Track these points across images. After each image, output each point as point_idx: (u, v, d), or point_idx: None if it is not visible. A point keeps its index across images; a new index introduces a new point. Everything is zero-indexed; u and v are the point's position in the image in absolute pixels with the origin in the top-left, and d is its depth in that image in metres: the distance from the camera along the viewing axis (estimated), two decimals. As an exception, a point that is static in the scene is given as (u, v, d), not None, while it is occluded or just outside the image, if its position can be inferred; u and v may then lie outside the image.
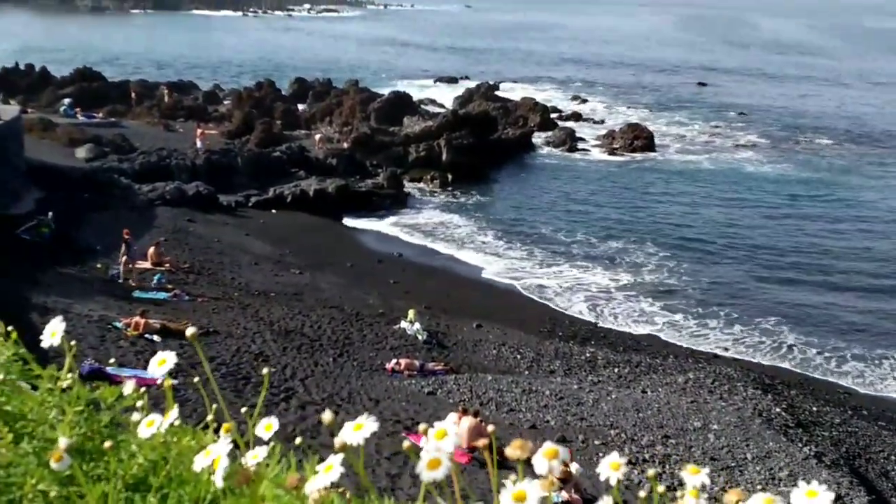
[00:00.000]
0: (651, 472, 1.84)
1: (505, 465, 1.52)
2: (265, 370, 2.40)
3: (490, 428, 1.97)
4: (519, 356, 24.71)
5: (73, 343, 2.31)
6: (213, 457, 1.91)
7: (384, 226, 39.49)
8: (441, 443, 1.65)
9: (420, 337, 25.14)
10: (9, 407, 2.11)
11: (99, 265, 27.14)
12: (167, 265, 28.09)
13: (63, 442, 1.75)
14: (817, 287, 33.50)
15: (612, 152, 57.85)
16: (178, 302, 25.09)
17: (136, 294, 25.10)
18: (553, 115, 67.99)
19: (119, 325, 21.13)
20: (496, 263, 35.15)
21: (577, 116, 71.07)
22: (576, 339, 27.06)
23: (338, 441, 1.73)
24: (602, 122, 70.03)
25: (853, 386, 25.44)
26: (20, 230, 27.89)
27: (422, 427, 1.80)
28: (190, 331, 2.07)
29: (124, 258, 26.18)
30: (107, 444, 1.91)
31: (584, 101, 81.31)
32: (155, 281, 26.45)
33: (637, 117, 70.42)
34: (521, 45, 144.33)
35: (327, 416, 1.90)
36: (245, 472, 1.96)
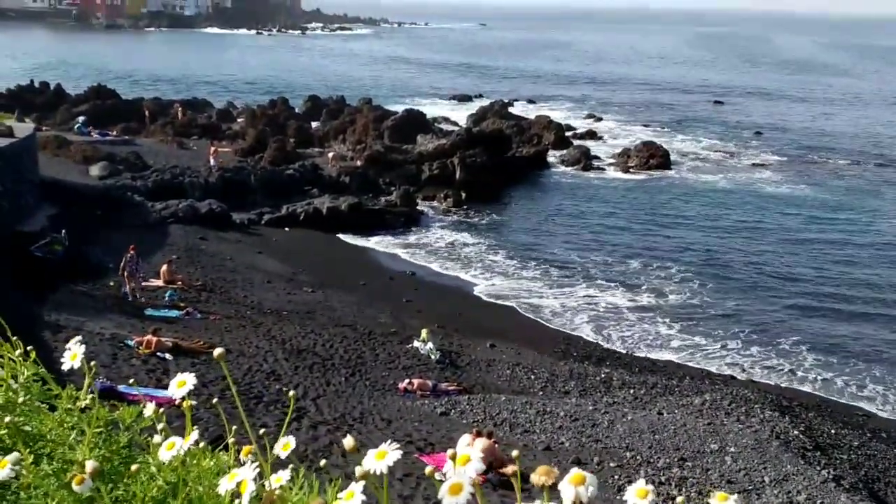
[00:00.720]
0: (680, 499, 1.77)
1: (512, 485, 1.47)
2: (290, 393, 2.34)
3: (514, 452, 1.89)
4: (533, 376, 24.56)
5: (92, 364, 2.25)
6: (238, 480, 1.86)
7: (397, 244, 39.44)
8: (466, 468, 1.60)
9: (433, 356, 25.01)
10: (28, 427, 2.06)
11: (111, 283, 27.17)
12: (179, 283, 28.11)
13: (90, 465, 1.68)
14: (836, 310, 33.21)
15: (627, 171, 57.78)
16: (189, 320, 25.07)
17: (148, 312, 25.10)
18: (568, 134, 67.99)
19: (131, 343, 21.11)
20: (509, 283, 35.03)
21: (591, 134, 71.01)
22: (590, 360, 26.89)
23: (360, 470, 1.68)
24: (617, 139, 69.99)
25: (872, 409, 25.17)
26: (33, 247, 27.96)
27: (450, 452, 1.73)
28: (217, 351, 2.02)
29: (124, 273, 26.18)
30: (133, 467, 1.85)
31: (599, 119, 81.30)
32: (167, 298, 26.47)
33: (652, 135, 70.37)
34: (536, 64, 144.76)
35: (349, 441, 1.83)
36: (269, 496, 1.90)
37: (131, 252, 26.15)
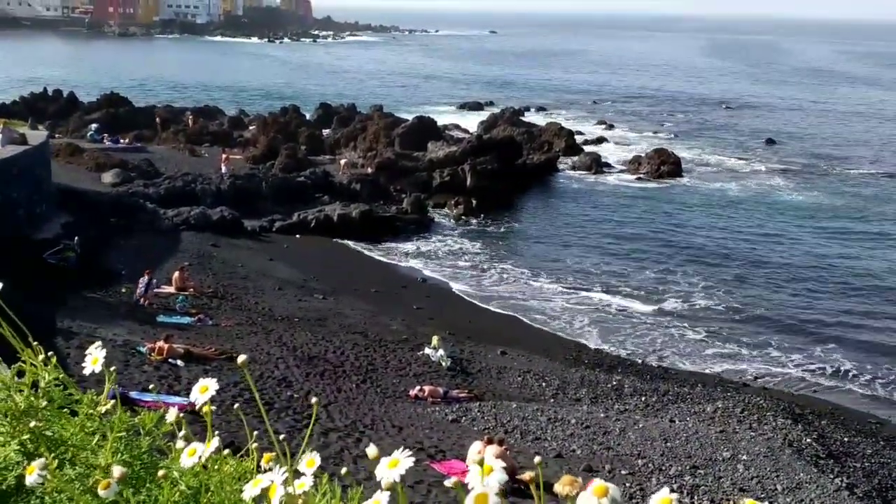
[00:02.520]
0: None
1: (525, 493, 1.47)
2: (313, 399, 2.35)
3: (537, 459, 1.89)
4: (544, 384, 24.50)
5: (112, 369, 2.26)
6: (263, 485, 1.86)
7: (407, 251, 39.44)
8: (489, 479, 1.60)
9: (444, 363, 24.99)
10: (49, 432, 2.06)
11: (124, 289, 27.25)
12: (191, 290, 28.16)
13: (117, 470, 1.68)
14: (849, 318, 33.04)
15: (638, 178, 57.67)
16: (201, 326, 25.12)
17: (160, 318, 25.16)
18: (578, 140, 67.92)
19: (143, 349, 21.15)
20: (521, 290, 34.98)
21: (602, 141, 71.01)
22: (602, 367, 26.81)
23: (386, 481, 1.69)
24: (628, 146, 69.90)
25: (886, 416, 25.01)
26: (46, 254, 28.08)
27: (472, 458, 1.73)
28: (241, 358, 2.02)
29: (138, 292, 26.40)
30: (160, 472, 1.85)
31: (611, 126, 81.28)
32: (177, 305, 26.52)
33: (663, 142, 70.22)
34: (546, 71, 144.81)
35: (372, 449, 1.84)
36: (291, 502, 1.90)
37: (146, 276, 26.33)
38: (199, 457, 2.00)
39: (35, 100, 67.65)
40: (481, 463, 1.61)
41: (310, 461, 1.97)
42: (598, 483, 1.54)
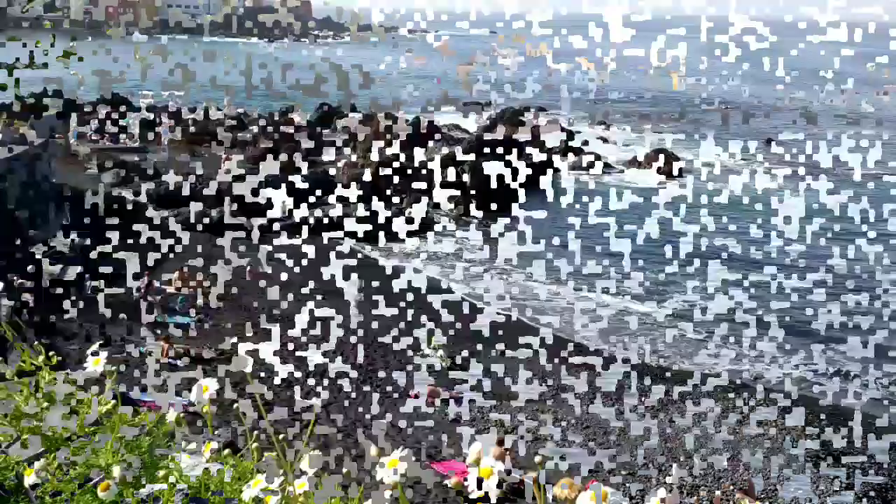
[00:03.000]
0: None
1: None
2: (315, 401, 2.35)
3: (537, 458, 1.88)
4: (544, 384, 24.47)
5: (112, 369, 2.26)
6: (261, 486, 1.86)
7: (407, 251, 39.41)
8: (489, 483, 1.59)
9: (443, 364, 24.98)
10: (49, 432, 2.06)
11: (124, 290, 27.22)
12: (191, 290, 28.14)
13: (117, 471, 1.68)
14: (851, 320, 32.84)
15: (637, 177, 57.59)
16: (201, 327, 25.12)
17: (161, 319, 25.16)
18: (578, 140, 67.79)
19: (143, 349, 21.16)
20: (521, 290, 34.98)
21: (602, 141, 70.97)
22: (603, 368, 26.74)
23: (388, 480, 1.68)
24: (628, 146, 69.88)
25: (886, 416, 24.94)
26: (46, 255, 28.07)
27: (471, 459, 1.73)
28: (240, 359, 2.02)
29: (138, 294, 26.41)
30: (160, 472, 1.85)
31: (609, 126, 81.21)
32: (178, 305, 26.52)
33: (663, 143, 70.05)
34: (547, 71, 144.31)
35: (373, 450, 1.84)
36: (290, 502, 1.90)
37: (146, 277, 26.34)
38: (200, 457, 2.00)
39: (35, 100, 67.58)
40: (479, 463, 1.61)
41: (313, 457, 1.97)
42: (596, 487, 1.54)
